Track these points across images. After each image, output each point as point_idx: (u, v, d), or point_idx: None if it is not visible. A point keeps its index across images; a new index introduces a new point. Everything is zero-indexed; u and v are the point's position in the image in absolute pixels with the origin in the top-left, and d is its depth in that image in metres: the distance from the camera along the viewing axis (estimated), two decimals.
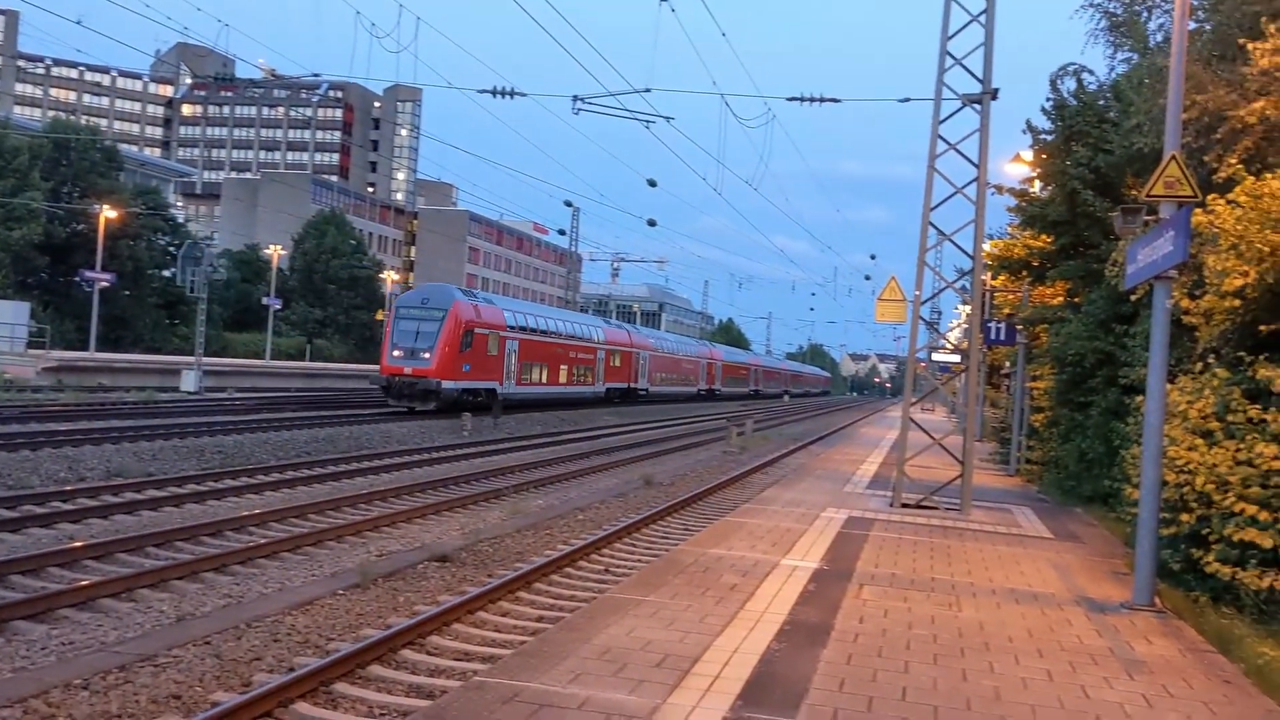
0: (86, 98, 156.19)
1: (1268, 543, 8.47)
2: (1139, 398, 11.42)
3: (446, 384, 38.21)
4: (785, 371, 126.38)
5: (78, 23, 35.29)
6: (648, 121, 28.13)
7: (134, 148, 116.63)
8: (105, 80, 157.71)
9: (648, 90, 27.15)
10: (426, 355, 37.91)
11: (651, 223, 64.03)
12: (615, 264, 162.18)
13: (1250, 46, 11.51)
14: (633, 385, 62.63)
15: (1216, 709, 6.86)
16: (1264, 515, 8.72)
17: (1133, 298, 12.86)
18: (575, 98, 26.84)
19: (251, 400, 41.08)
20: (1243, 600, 8.99)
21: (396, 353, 38.58)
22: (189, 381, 43.62)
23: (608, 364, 58.14)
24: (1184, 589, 10.34)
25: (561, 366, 51.01)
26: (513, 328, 44.49)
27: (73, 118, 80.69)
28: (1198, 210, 10.34)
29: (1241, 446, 9.49)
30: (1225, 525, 9.11)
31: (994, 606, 9.60)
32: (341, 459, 23.47)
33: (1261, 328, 10.02)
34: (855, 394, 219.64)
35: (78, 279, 56.55)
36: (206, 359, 47.92)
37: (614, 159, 59.55)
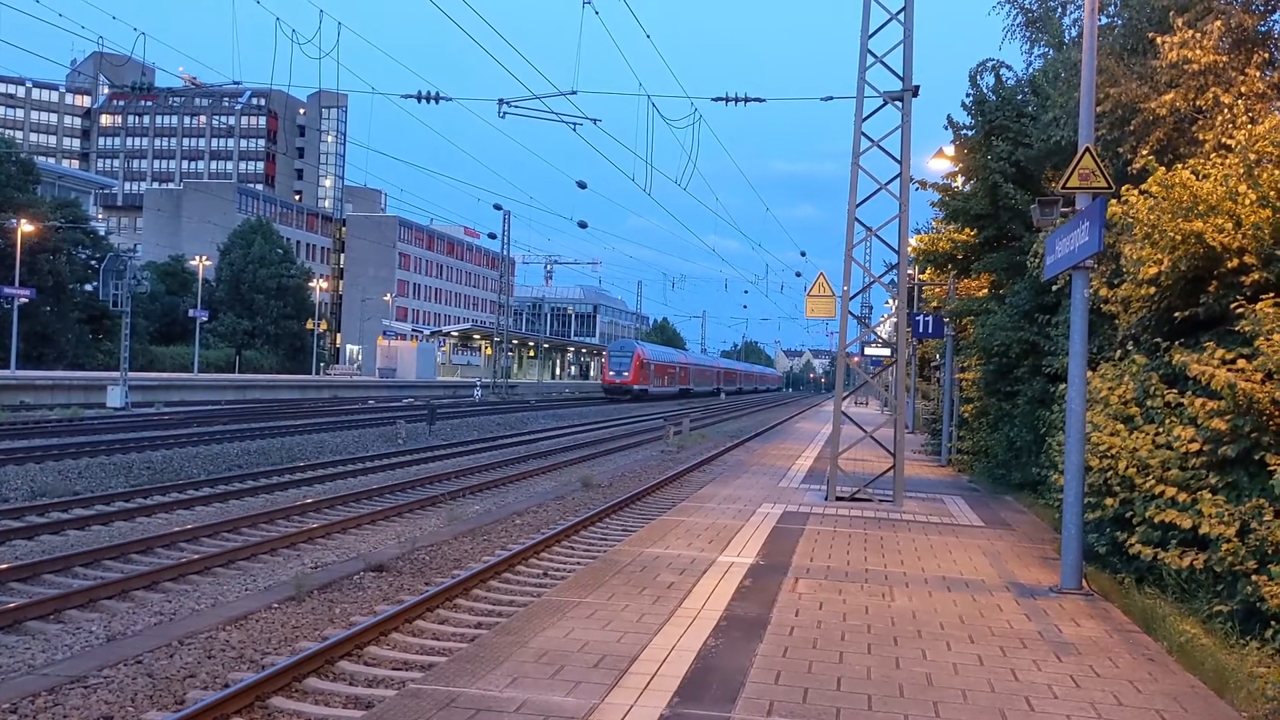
0: (0, 110, 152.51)
1: (1187, 523, 8.68)
2: (1062, 386, 11.67)
3: (635, 387, 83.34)
4: (755, 373, 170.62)
5: None
6: (574, 124, 28.08)
7: (51, 159, 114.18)
8: (19, 91, 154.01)
9: (573, 92, 27.12)
10: (626, 374, 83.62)
11: (582, 224, 63.98)
12: (549, 266, 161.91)
13: (1159, 40, 11.82)
14: (687, 387, 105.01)
15: (1141, 686, 7.04)
16: (1183, 497, 8.94)
17: (1054, 288, 13.09)
18: (501, 101, 26.75)
19: (180, 414, 40.43)
20: (1165, 580, 9.22)
21: (611, 373, 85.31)
22: (115, 397, 42.78)
23: (679, 374, 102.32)
24: (1110, 571, 10.58)
25: (666, 376, 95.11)
26: (653, 359, 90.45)
27: None
28: (1112, 201, 10.58)
29: (1160, 430, 9.72)
30: (1147, 507, 9.32)
31: (926, 595, 9.75)
32: (275, 471, 23.18)
33: (1176, 314, 10.26)
34: (791, 389, 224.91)
35: None
36: (132, 374, 47.05)
37: (542, 162, 59.53)
